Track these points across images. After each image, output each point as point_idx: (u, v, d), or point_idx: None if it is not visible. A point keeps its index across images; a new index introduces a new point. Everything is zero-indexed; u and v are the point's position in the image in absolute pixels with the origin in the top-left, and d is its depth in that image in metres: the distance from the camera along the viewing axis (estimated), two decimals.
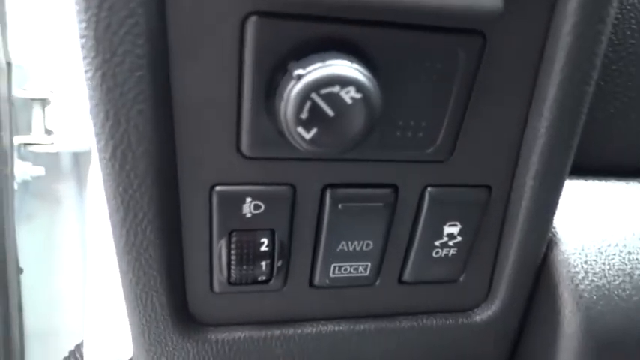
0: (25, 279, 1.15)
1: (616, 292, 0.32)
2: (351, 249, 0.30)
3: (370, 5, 0.22)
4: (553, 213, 0.31)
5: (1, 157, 0.99)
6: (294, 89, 0.21)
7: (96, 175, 0.26)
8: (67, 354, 1.11)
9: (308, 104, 0.21)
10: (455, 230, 0.31)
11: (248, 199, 0.27)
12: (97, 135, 0.23)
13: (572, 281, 0.32)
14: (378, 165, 0.28)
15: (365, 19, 0.23)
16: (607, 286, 0.32)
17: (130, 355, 0.34)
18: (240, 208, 0.27)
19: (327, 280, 0.31)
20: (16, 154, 1.07)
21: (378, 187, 0.28)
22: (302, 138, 0.22)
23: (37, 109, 1.09)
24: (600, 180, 0.37)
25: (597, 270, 0.32)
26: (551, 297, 0.33)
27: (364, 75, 0.21)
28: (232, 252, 0.28)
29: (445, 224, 0.30)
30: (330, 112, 0.22)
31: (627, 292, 0.32)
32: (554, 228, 0.33)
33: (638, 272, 0.33)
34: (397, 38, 0.24)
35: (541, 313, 0.35)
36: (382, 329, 0.33)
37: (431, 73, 0.25)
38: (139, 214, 0.26)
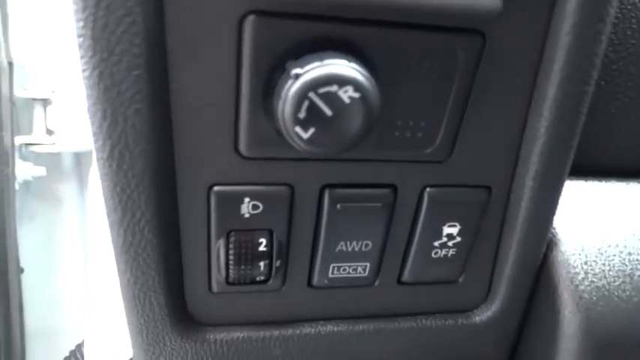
0: (26, 279, 1.15)
1: (616, 293, 0.32)
2: (349, 249, 0.30)
3: (369, 4, 0.22)
4: (553, 213, 0.31)
5: (2, 157, 0.99)
6: (292, 88, 0.21)
7: (97, 175, 0.26)
8: (67, 354, 1.11)
9: (306, 104, 0.21)
10: (454, 231, 0.30)
11: (246, 199, 0.27)
12: (94, 134, 0.23)
13: (572, 282, 0.32)
14: (376, 165, 0.28)
15: (363, 18, 0.23)
16: (607, 287, 0.32)
17: (131, 355, 0.34)
18: (239, 208, 0.27)
19: (326, 281, 0.31)
20: (17, 154, 1.07)
21: (377, 187, 0.28)
22: (300, 138, 0.22)
23: (38, 109, 1.09)
24: (600, 180, 0.37)
25: (597, 271, 0.32)
26: (551, 298, 0.33)
27: (362, 74, 0.21)
28: (230, 252, 0.28)
29: (444, 225, 0.30)
30: (328, 112, 0.21)
31: (627, 293, 0.32)
32: (554, 228, 0.33)
33: (638, 273, 0.32)
34: (396, 38, 0.24)
35: (541, 313, 0.34)
36: (381, 330, 0.33)
37: (430, 73, 0.25)
38: (137, 213, 0.25)
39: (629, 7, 0.33)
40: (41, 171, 1.11)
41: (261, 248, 0.28)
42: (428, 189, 0.29)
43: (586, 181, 0.37)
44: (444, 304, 0.34)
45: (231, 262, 0.28)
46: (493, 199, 0.30)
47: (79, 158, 1.15)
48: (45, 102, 1.08)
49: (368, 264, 0.31)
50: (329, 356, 0.34)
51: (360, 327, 0.33)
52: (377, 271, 0.31)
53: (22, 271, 1.13)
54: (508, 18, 0.24)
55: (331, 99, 0.21)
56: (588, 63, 0.25)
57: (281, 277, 0.30)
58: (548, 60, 0.26)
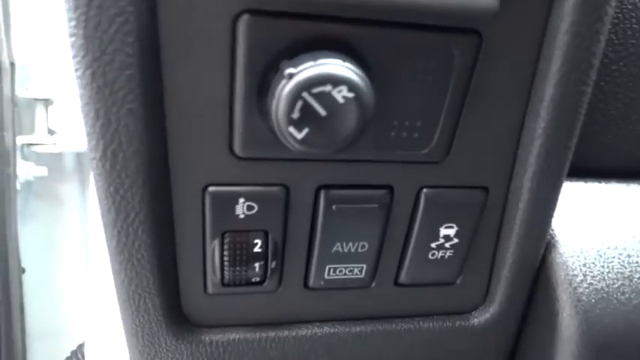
0: (27, 279, 1.15)
1: (615, 296, 0.31)
2: (345, 250, 0.29)
3: (364, 4, 0.21)
4: (551, 215, 0.31)
5: (3, 157, 0.99)
6: (285, 88, 0.21)
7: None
8: (68, 354, 1.11)
9: (299, 104, 0.21)
10: (451, 232, 0.30)
11: (241, 200, 0.27)
12: (87, 134, 0.23)
13: (570, 284, 0.31)
14: (372, 165, 0.27)
15: (358, 17, 0.23)
16: (606, 289, 0.32)
17: None
18: (233, 209, 0.27)
19: (322, 282, 0.30)
20: (19, 154, 1.08)
21: (373, 188, 0.28)
22: (294, 138, 0.22)
23: (40, 110, 1.09)
24: (600, 182, 0.36)
25: (596, 273, 0.32)
26: (550, 300, 0.32)
27: (356, 74, 0.21)
28: (225, 253, 0.28)
29: (441, 226, 0.30)
30: (322, 112, 0.21)
31: (626, 295, 0.32)
32: (552, 230, 0.33)
33: (637, 275, 0.32)
34: (391, 37, 0.23)
35: (539, 316, 0.34)
36: (378, 332, 0.33)
37: (426, 73, 0.24)
38: (131, 214, 0.25)
39: (629, 6, 0.32)
40: (43, 171, 1.11)
41: (257, 249, 0.28)
42: (424, 190, 0.29)
43: (585, 182, 0.36)
44: (441, 305, 0.34)
45: (226, 263, 0.28)
46: (490, 200, 0.30)
47: (81, 158, 1.16)
48: (47, 102, 1.09)
49: (364, 265, 0.30)
50: (325, 358, 0.33)
51: (357, 329, 0.33)
52: (373, 272, 0.31)
53: (23, 271, 1.13)
54: (505, 17, 0.24)
55: (325, 99, 0.21)
56: (586, 63, 0.25)
57: (277, 279, 0.30)
58: (545, 60, 0.25)
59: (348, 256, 0.30)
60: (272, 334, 0.32)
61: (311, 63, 0.21)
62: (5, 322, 1.06)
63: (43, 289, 1.19)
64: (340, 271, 0.30)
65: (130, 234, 0.26)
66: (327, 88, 0.21)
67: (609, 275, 0.32)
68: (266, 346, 0.32)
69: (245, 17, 0.22)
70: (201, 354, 0.31)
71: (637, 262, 0.32)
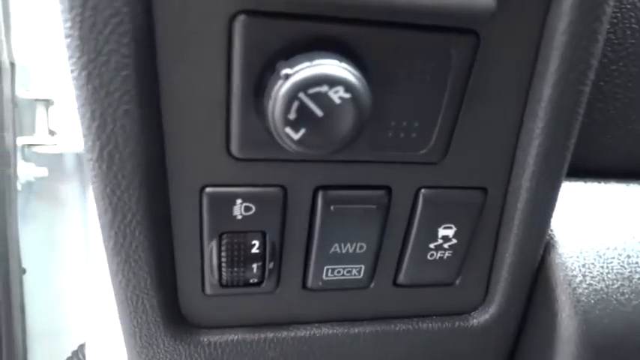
0: (28, 279, 1.15)
1: (615, 296, 0.31)
2: (344, 251, 0.29)
3: (360, 4, 0.21)
4: (550, 215, 0.31)
5: (4, 158, 0.99)
6: (281, 89, 0.21)
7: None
8: (69, 354, 1.11)
9: (296, 104, 0.21)
10: (450, 233, 0.30)
11: (238, 201, 0.27)
12: (84, 135, 0.23)
13: (569, 285, 0.31)
14: (370, 166, 0.27)
15: (355, 18, 0.23)
16: (605, 289, 0.31)
17: None
18: (231, 210, 0.27)
19: (320, 283, 0.30)
20: (19, 155, 1.08)
21: (371, 188, 0.28)
22: (290, 138, 0.22)
23: (40, 110, 1.09)
24: (600, 182, 0.36)
25: (595, 273, 0.32)
26: (549, 301, 0.32)
27: (353, 75, 0.21)
28: (223, 254, 0.28)
29: (440, 226, 0.30)
30: (319, 113, 0.21)
31: (626, 296, 0.32)
32: (551, 230, 0.33)
33: (637, 276, 0.32)
34: (388, 37, 0.23)
35: (538, 316, 0.34)
36: (377, 332, 0.33)
37: (423, 73, 0.24)
38: (128, 215, 0.25)
39: (628, 6, 0.32)
40: (43, 172, 1.11)
41: (254, 250, 0.28)
42: (423, 190, 0.29)
43: (585, 182, 0.36)
44: (440, 306, 0.34)
45: (223, 264, 0.28)
46: (489, 200, 0.30)
47: (81, 159, 1.16)
48: (47, 103, 1.09)
49: (363, 266, 0.30)
50: (324, 359, 0.33)
51: (356, 329, 0.33)
52: (372, 273, 0.31)
53: (24, 271, 1.13)
54: (502, 17, 0.24)
55: (322, 99, 0.21)
56: (584, 63, 0.25)
57: (275, 279, 0.30)
58: (543, 60, 0.25)
59: (346, 256, 0.30)
60: (270, 334, 0.32)
61: (307, 63, 0.21)
62: (6, 322, 1.06)
63: (43, 289, 1.19)
64: (338, 272, 0.30)
65: (127, 235, 0.26)
66: (324, 88, 0.21)
67: (609, 276, 0.32)
68: (264, 347, 0.32)
69: (241, 18, 0.22)
70: (200, 355, 0.31)
71: (637, 263, 0.32)
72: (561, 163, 0.28)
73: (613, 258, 0.32)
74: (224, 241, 0.28)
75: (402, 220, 0.30)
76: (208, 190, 0.26)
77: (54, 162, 1.12)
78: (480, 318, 0.34)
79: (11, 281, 1.05)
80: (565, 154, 0.28)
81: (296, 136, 0.22)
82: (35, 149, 1.10)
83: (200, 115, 0.24)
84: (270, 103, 0.21)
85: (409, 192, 0.29)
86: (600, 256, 0.32)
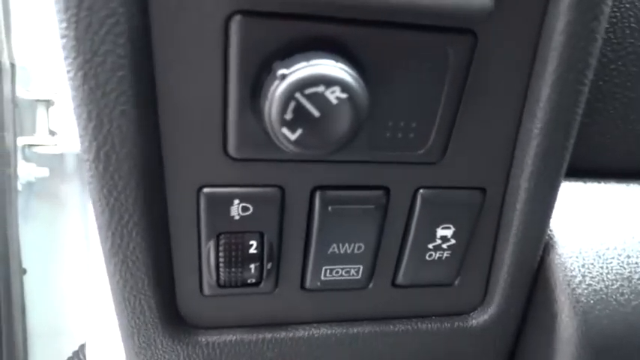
0: (29, 279, 1.16)
1: (614, 297, 0.31)
2: (342, 252, 0.29)
3: (357, 4, 0.21)
4: (549, 215, 0.30)
5: (4, 158, 0.99)
6: (278, 89, 0.21)
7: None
8: (70, 354, 1.11)
9: (292, 104, 0.21)
10: (448, 233, 0.30)
11: (236, 201, 0.26)
12: (80, 136, 0.23)
13: (569, 285, 0.31)
14: (368, 166, 0.27)
15: (352, 17, 0.23)
16: (605, 290, 0.31)
17: None
18: (228, 210, 0.27)
19: (319, 283, 0.30)
20: (20, 155, 1.08)
21: (369, 189, 0.28)
22: (287, 139, 0.22)
23: (41, 111, 1.09)
24: (599, 182, 0.36)
25: (595, 274, 0.32)
26: (548, 301, 0.32)
27: (350, 75, 0.21)
28: (221, 254, 0.28)
29: (438, 227, 0.30)
30: (316, 113, 0.21)
31: (626, 296, 0.31)
32: (551, 231, 0.32)
33: (637, 276, 0.32)
34: (385, 37, 0.23)
35: (538, 317, 0.34)
36: (376, 333, 0.33)
37: (420, 73, 0.24)
38: (125, 216, 0.25)
39: (627, 5, 0.32)
40: (44, 172, 1.12)
41: (252, 250, 0.28)
42: (421, 191, 0.29)
43: (585, 182, 0.36)
44: (439, 307, 0.34)
45: (221, 264, 0.28)
46: (488, 200, 0.30)
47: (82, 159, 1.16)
48: (48, 103, 1.09)
49: (361, 266, 0.30)
50: None
51: (355, 330, 0.33)
52: (370, 273, 0.31)
53: (24, 271, 1.13)
54: (500, 17, 0.24)
55: (318, 100, 0.21)
56: (583, 63, 0.25)
57: (273, 280, 0.30)
58: (541, 60, 0.25)
59: (344, 257, 0.30)
60: (269, 335, 0.32)
61: (304, 63, 0.21)
62: (6, 322, 1.06)
63: (44, 289, 1.19)
64: (337, 272, 0.30)
65: (124, 236, 0.26)
66: (320, 88, 0.21)
67: (608, 276, 0.32)
68: (263, 348, 0.32)
69: (237, 18, 0.22)
70: (198, 355, 0.31)
71: (636, 263, 0.32)
72: (560, 163, 0.28)
73: (612, 258, 0.32)
74: (222, 242, 0.28)
75: (401, 221, 0.29)
76: (206, 190, 0.26)
77: (54, 162, 1.13)
78: (479, 318, 0.34)
79: (12, 281, 1.05)
80: (564, 154, 0.28)
81: (293, 137, 0.21)
82: (36, 149, 1.10)
83: (197, 116, 0.24)
84: (267, 103, 0.21)
85: (407, 192, 0.28)
86: (600, 257, 0.32)
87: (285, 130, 0.21)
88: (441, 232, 0.30)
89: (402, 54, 0.24)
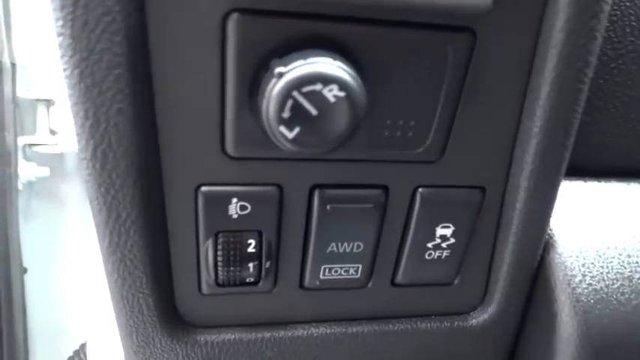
0: (29, 279, 1.16)
1: (615, 296, 0.31)
2: (341, 250, 0.29)
3: (355, 2, 0.21)
4: (549, 214, 0.30)
5: (5, 157, 0.99)
6: (275, 87, 0.21)
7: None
8: (71, 354, 1.11)
9: (290, 103, 0.21)
10: (448, 232, 0.30)
11: (234, 200, 0.26)
12: (77, 134, 0.23)
13: (569, 284, 0.31)
14: (367, 165, 0.27)
15: (350, 16, 0.22)
16: (605, 289, 0.31)
17: None
18: (227, 209, 0.27)
19: (318, 282, 0.30)
20: (20, 155, 1.08)
21: (368, 187, 0.28)
22: (284, 137, 0.21)
23: (41, 110, 1.09)
24: (600, 181, 0.36)
25: (595, 273, 0.31)
26: (548, 300, 0.32)
27: (348, 73, 0.21)
28: (219, 253, 0.28)
29: (437, 226, 0.30)
30: (313, 111, 0.21)
31: (626, 295, 0.31)
32: (551, 230, 0.32)
33: (637, 276, 0.32)
34: (383, 35, 0.23)
35: (538, 316, 0.34)
36: (375, 332, 0.33)
37: (419, 71, 0.24)
38: (122, 214, 0.25)
39: (627, 3, 0.32)
40: (44, 171, 1.12)
41: (250, 249, 0.28)
42: (420, 189, 0.28)
43: (585, 181, 0.36)
44: (439, 306, 0.34)
45: (219, 263, 0.28)
46: (487, 199, 0.30)
47: None
48: (48, 103, 1.09)
49: (360, 265, 0.30)
50: (322, 359, 0.33)
51: (354, 329, 0.32)
52: (369, 272, 0.31)
53: (25, 271, 1.13)
54: (499, 15, 0.24)
55: (316, 98, 0.21)
56: (582, 61, 0.25)
57: (272, 279, 0.30)
58: (541, 57, 0.25)
59: (343, 256, 0.29)
60: (268, 334, 0.31)
61: (301, 62, 0.21)
62: (7, 322, 1.06)
63: (45, 288, 1.19)
64: (336, 271, 0.30)
65: (121, 234, 0.26)
66: (318, 87, 0.21)
67: (609, 275, 0.32)
68: (262, 347, 0.32)
69: (234, 16, 0.22)
70: (197, 354, 0.31)
71: (637, 262, 0.32)
72: (560, 161, 0.28)
73: (613, 257, 0.32)
74: (220, 240, 0.27)
75: (400, 220, 0.29)
76: (204, 189, 0.26)
77: (55, 162, 1.13)
78: (479, 318, 0.34)
79: (12, 281, 1.06)
80: (564, 153, 0.28)
81: (290, 135, 0.21)
82: (36, 149, 1.10)
83: (194, 114, 0.24)
84: (264, 101, 0.21)
85: (406, 191, 0.28)
86: (600, 256, 0.32)
87: (282, 129, 0.21)
88: (440, 231, 0.30)
89: (400, 52, 0.24)
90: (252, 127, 0.24)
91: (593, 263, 0.32)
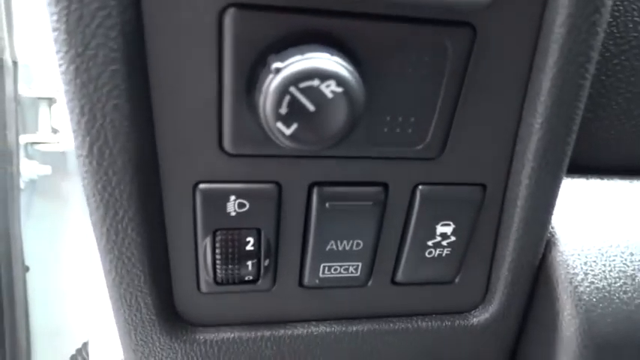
0: (31, 277, 1.16)
1: (617, 295, 0.31)
2: (340, 249, 0.29)
3: None
4: (550, 212, 0.30)
5: (6, 156, 0.99)
6: (272, 83, 0.20)
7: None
8: (73, 352, 1.12)
9: (287, 99, 0.20)
10: (448, 230, 0.30)
11: (232, 197, 0.26)
12: (73, 131, 0.23)
13: (571, 283, 0.31)
14: (366, 162, 0.27)
15: (347, 10, 0.22)
16: (608, 288, 0.31)
17: None
18: (225, 207, 0.26)
19: (317, 281, 0.30)
20: (22, 153, 1.08)
21: (367, 185, 0.27)
22: (282, 133, 0.21)
23: (43, 108, 1.10)
24: (602, 178, 0.36)
25: (598, 271, 0.31)
26: (550, 299, 0.32)
27: (345, 68, 0.21)
28: (217, 251, 0.28)
29: (438, 224, 0.29)
30: (311, 107, 0.21)
31: (629, 294, 0.31)
32: (552, 228, 0.32)
33: None
34: (381, 30, 0.23)
35: (540, 315, 0.33)
36: (376, 331, 0.33)
37: (418, 67, 0.24)
38: (119, 212, 0.25)
39: None
40: (46, 169, 1.12)
41: (249, 247, 0.28)
42: (420, 187, 0.28)
43: (587, 178, 0.36)
44: (440, 305, 0.33)
45: (218, 261, 0.28)
46: (488, 197, 0.29)
47: None
48: (50, 101, 1.09)
49: (360, 264, 0.30)
50: (322, 358, 0.33)
51: (354, 328, 0.32)
52: (369, 270, 0.30)
53: (27, 269, 1.14)
54: (499, 9, 0.23)
55: (313, 94, 0.21)
56: (584, 56, 0.24)
57: (271, 277, 0.29)
58: (542, 53, 0.25)
59: (342, 254, 0.29)
60: (267, 333, 0.31)
61: (298, 57, 0.20)
62: (9, 320, 1.07)
63: (46, 287, 1.20)
64: (335, 270, 0.30)
65: (119, 232, 0.26)
66: (315, 82, 0.20)
67: (611, 274, 0.31)
68: (261, 345, 0.32)
69: (231, 11, 0.21)
70: (196, 353, 0.31)
71: None
72: (561, 158, 0.28)
73: (615, 256, 0.32)
74: (218, 238, 0.27)
75: (400, 217, 0.29)
76: (202, 186, 0.26)
77: (57, 160, 1.13)
78: (480, 317, 0.34)
79: (14, 279, 1.06)
80: (565, 150, 0.27)
81: (288, 131, 0.21)
82: (38, 147, 1.10)
83: (191, 110, 0.24)
84: (262, 97, 0.21)
85: (406, 188, 0.28)
86: (602, 254, 0.32)
87: (280, 125, 0.21)
88: (440, 228, 0.30)
89: (398, 47, 0.23)
90: (249, 123, 0.24)
91: (595, 261, 0.31)
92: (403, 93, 0.24)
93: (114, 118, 0.22)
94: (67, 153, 1.14)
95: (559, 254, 0.31)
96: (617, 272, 0.31)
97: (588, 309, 0.30)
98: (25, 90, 1.06)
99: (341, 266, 0.30)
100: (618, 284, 0.31)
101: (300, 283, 0.30)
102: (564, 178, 0.29)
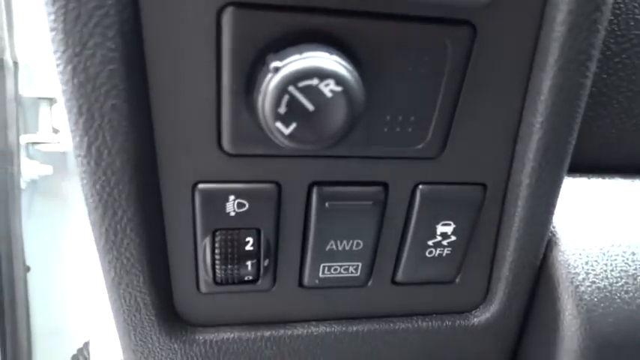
0: (32, 277, 1.16)
1: (619, 295, 0.31)
2: (340, 248, 0.29)
3: None
4: (551, 212, 0.30)
5: (7, 156, 0.99)
6: (271, 82, 0.20)
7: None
8: (74, 352, 1.12)
9: (286, 98, 0.20)
10: (448, 229, 0.30)
11: (231, 197, 0.26)
12: (71, 131, 0.23)
13: (572, 283, 0.31)
14: (366, 162, 0.27)
15: (346, 9, 0.22)
16: (609, 287, 0.31)
17: None
18: (224, 207, 0.26)
19: (317, 281, 0.30)
20: (23, 153, 1.08)
21: (367, 184, 0.27)
22: (281, 133, 0.21)
23: (44, 108, 1.10)
24: (604, 177, 0.36)
25: (599, 271, 0.31)
26: (551, 299, 0.32)
27: (344, 67, 0.21)
28: (217, 251, 0.27)
29: (438, 223, 0.29)
30: (310, 106, 0.21)
31: (631, 294, 0.31)
32: (553, 227, 0.32)
33: None
34: (380, 29, 0.23)
35: (541, 315, 0.33)
36: (376, 331, 0.32)
37: (418, 66, 0.24)
38: (118, 211, 0.25)
39: None
40: (47, 169, 1.12)
41: (248, 247, 0.28)
42: (420, 186, 0.28)
43: (589, 178, 0.35)
44: (440, 305, 0.33)
45: (217, 261, 0.28)
46: (488, 196, 0.29)
47: None
48: (51, 101, 1.09)
49: (360, 264, 0.30)
50: (321, 358, 0.33)
51: (354, 328, 0.32)
52: (369, 270, 0.30)
53: (28, 269, 1.14)
54: (499, 8, 0.23)
55: (312, 93, 0.20)
56: (585, 54, 0.24)
57: (270, 277, 0.29)
58: (542, 51, 0.25)
59: (342, 254, 0.29)
60: (267, 333, 0.31)
61: (297, 56, 0.20)
62: (10, 320, 1.07)
63: (47, 287, 1.20)
64: (335, 270, 0.30)
65: (118, 232, 0.26)
66: (314, 81, 0.20)
67: (612, 273, 0.31)
68: (261, 346, 0.31)
69: (230, 10, 0.21)
70: (195, 353, 0.31)
71: None
72: (562, 157, 0.28)
73: (617, 255, 0.32)
74: (217, 238, 0.27)
75: (400, 217, 0.29)
76: (201, 186, 0.26)
77: (58, 160, 1.13)
78: (481, 317, 0.33)
79: (15, 279, 1.06)
80: (566, 149, 0.27)
81: (287, 131, 0.21)
82: (39, 147, 1.10)
83: (190, 110, 0.24)
84: (260, 97, 0.21)
85: (406, 188, 0.28)
86: (604, 254, 0.31)
87: (279, 124, 0.21)
88: (441, 228, 0.29)
89: (398, 46, 0.23)
90: (248, 123, 0.24)
91: (596, 261, 0.31)
92: (403, 92, 0.24)
93: (112, 118, 0.22)
94: (67, 153, 1.14)
95: (560, 254, 0.31)
96: (619, 272, 0.31)
97: (589, 309, 0.30)
98: (26, 90, 1.06)
99: (341, 266, 0.30)
100: (620, 284, 0.31)
101: (300, 283, 0.30)
102: (565, 177, 0.29)
